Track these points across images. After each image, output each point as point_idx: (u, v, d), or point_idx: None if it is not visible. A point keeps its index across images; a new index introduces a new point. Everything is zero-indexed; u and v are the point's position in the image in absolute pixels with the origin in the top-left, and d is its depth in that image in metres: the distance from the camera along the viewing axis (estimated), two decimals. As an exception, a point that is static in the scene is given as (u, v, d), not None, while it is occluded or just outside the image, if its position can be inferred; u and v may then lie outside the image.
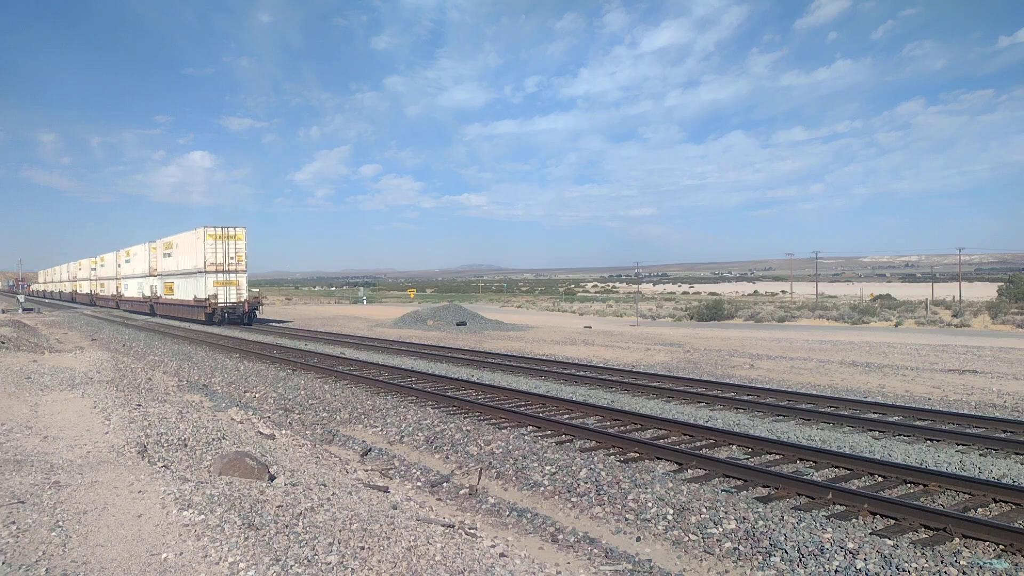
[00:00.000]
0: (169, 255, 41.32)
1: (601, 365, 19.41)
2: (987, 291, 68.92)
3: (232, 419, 11.15)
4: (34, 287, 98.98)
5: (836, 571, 5.83)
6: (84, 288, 66.91)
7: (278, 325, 38.64)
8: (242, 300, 36.21)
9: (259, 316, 38.66)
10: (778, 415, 12.25)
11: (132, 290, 49.62)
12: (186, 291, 38.18)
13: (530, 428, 11.28)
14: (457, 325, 38.45)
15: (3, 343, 20.36)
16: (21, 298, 62.73)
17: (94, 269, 62.55)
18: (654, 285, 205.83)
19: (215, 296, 35.33)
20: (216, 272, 35.46)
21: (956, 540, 6.38)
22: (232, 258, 35.82)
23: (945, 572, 5.71)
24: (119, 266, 53.45)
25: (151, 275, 44.91)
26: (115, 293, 54.12)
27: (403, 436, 11.27)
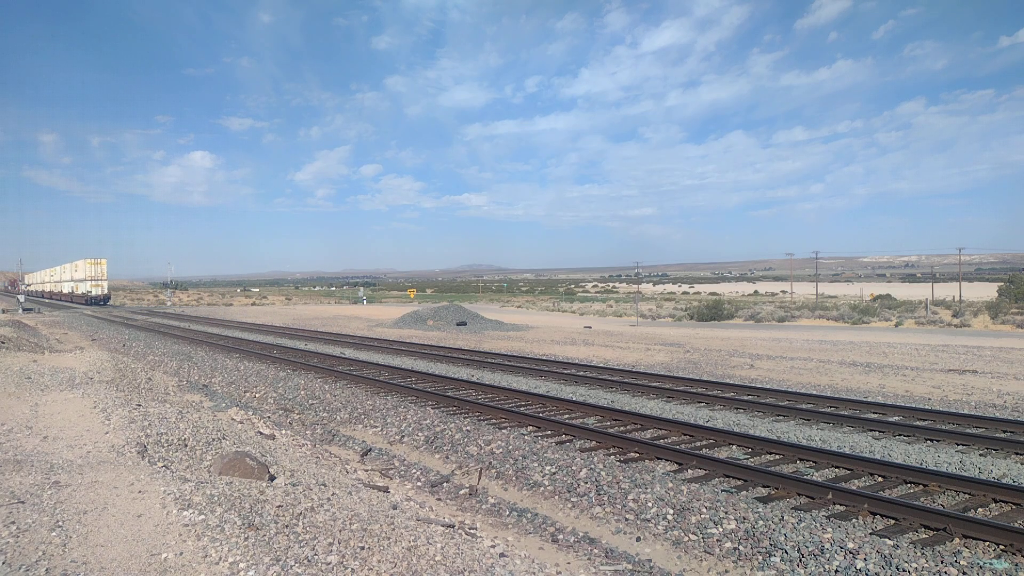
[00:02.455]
0: (76, 270, 75.61)
1: (601, 365, 19.41)
2: (987, 291, 68.91)
3: (232, 419, 11.15)
4: (22, 287, 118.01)
5: (836, 571, 5.83)
6: (47, 288, 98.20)
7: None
8: (101, 294, 70.56)
9: (111, 303, 75.15)
10: (778, 415, 12.25)
11: (65, 289, 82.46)
12: (80, 289, 73.23)
13: (530, 428, 11.28)
14: (457, 325, 38.45)
15: (3, 343, 20.36)
16: (21, 298, 62.97)
17: (52, 276, 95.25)
18: (654, 285, 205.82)
19: (89, 291, 69.88)
20: (90, 280, 70.27)
21: (956, 540, 6.38)
22: (98, 274, 70.55)
23: (945, 572, 5.71)
24: (61, 275, 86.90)
25: (71, 280, 78.18)
26: (59, 291, 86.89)
27: (403, 436, 11.27)
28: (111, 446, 7.69)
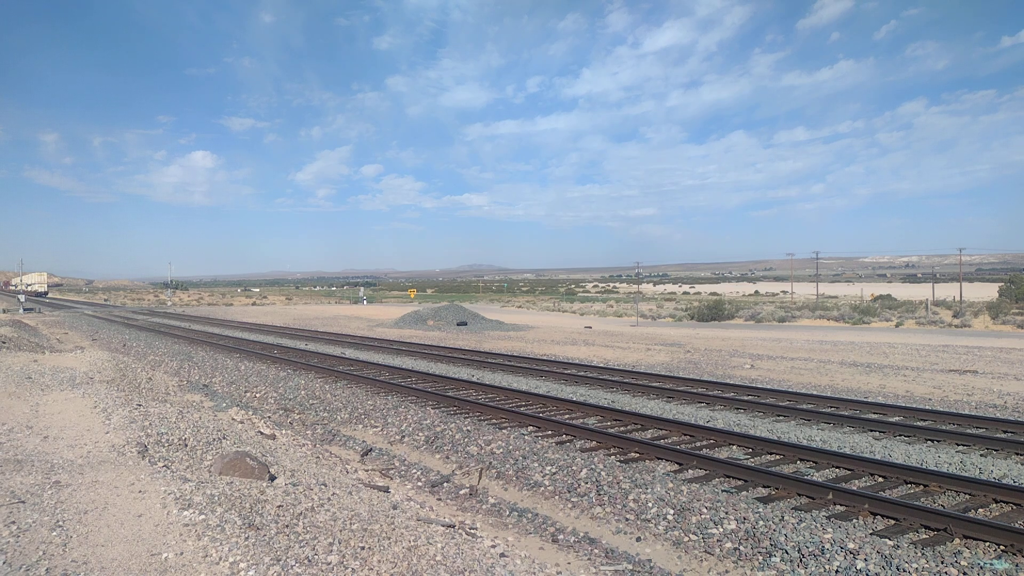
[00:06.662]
0: (31, 277, 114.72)
1: (601, 365, 19.41)
2: (988, 291, 68.90)
3: (232, 419, 11.15)
4: (12, 287, 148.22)
5: (836, 571, 5.82)
6: (24, 288, 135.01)
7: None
8: (43, 291, 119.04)
9: (48, 297, 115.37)
10: (778, 415, 12.25)
11: (28, 288, 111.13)
12: (32, 288, 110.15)
13: (530, 428, 11.28)
14: (457, 325, 38.46)
15: (4, 343, 20.36)
16: (22, 298, 63.02)
17: (24, 280, 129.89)
18: (654, 285, 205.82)
19: (37, 290, 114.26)
20: (37, 284, 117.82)
21: (956, 540, 6.38)
22: (42, 280, 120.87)
23: (945, 572, 5.71)
24: (27, 279, 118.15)
25: (32, 284, 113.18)
26: (31, 291, 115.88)
27: (403, 436, 11.27)
28: (111, 446, 7.70)
